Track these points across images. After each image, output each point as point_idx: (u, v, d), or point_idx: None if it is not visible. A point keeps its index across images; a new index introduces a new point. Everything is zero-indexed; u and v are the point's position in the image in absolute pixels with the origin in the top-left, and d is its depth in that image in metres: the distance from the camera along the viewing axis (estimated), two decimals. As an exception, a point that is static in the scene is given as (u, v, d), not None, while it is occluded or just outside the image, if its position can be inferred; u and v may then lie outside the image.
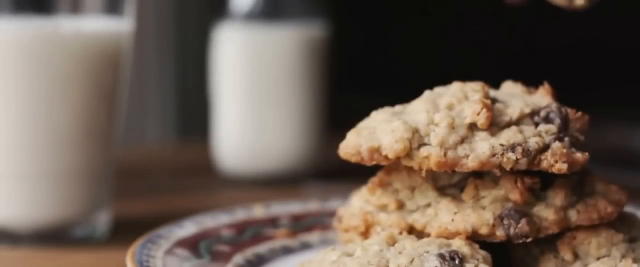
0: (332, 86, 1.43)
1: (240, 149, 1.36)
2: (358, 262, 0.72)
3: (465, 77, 0.85)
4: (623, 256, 0.77)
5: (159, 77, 2.12)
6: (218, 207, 1.01)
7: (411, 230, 0.79)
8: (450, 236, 0.76)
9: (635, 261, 0.76)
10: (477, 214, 0.77)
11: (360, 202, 0.84)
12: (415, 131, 0.77)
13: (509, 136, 0.77)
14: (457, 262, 0.72)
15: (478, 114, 0.77)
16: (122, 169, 1.15)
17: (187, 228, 0.92)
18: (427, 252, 0.73)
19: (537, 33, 2.41)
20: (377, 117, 0.81)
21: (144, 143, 2.05)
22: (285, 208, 1.01)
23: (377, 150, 0.78)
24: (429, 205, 0.79)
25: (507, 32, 2.38)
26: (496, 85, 0.85)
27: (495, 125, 0.78)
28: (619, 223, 0.80)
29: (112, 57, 1.02)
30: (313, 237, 0.96)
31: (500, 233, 0.77)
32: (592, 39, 2.38)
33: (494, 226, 0.77)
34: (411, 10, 2.44)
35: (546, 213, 0.77)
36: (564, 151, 0.76)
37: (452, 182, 0.81)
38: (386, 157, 0.77)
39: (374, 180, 0.83)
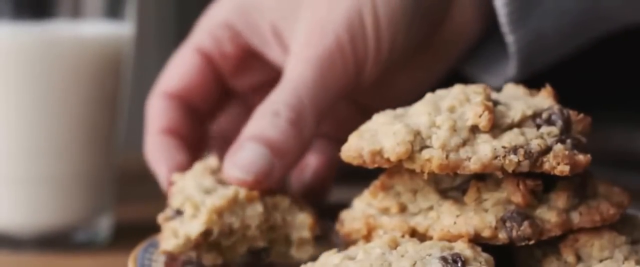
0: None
1: (242, 153, 1.35)
2: (360, 266, 0.72)
3: (467, 80, 0.85)
4: (625, 258, 0.77)
5: (161, 82, 2.12)
6: (220, 211, 1.01)
7: (413, 233, 0.79)
8: (452, 238, 0.76)
9: (637, 262, 0.76)
10: (480, 216, 0.77)
11: (362, 205, 0.83)
12: (417, 134, 0.77)
13: (510, 138, 0.77)
14: (459, 265, 0.72)
15: (480, 116, 0.77)
16: (124, 174, 1.15)
17: (189, 232, 0.92)
18: (430, 255, 0.73)
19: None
20: (378, 120, 0.81)
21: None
22: (287, 212, 1.00)
23: (379, 153, 0.77)
24: (431, 208, 0.79)
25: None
26: (498, 87, 0.85)
27: (497, 127, 0.78)
28: (621, 225, 0.80)
29: (112, 61, 1.02)
30: (315, 240, 0.96)
31: (502, 236, 0.76)
32: (594, 40, 2.38)
33: (496, 228, 0.76)
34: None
35: (548, 215, 0.77)
36: (566, 153, 0.76)
37: (454, 185, 0.80)
38: (388, 160, 0.77)
39: (376, 183, 0.82)
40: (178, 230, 0.84)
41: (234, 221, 0.84)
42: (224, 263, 0.86)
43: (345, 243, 0.83)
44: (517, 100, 0.81)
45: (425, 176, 0.77)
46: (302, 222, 0.86)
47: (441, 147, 0.76)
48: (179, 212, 0.85)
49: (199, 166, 0.88)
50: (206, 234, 0.82)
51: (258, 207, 0.85)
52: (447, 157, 0.76)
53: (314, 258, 0.84)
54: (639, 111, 1.83)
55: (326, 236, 0.88)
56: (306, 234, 0.86)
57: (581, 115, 0.80)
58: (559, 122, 0.79)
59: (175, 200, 0.85)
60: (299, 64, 0.88)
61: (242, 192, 0.85)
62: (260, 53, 0.97)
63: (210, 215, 0.83)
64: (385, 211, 0.81)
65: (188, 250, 0.83)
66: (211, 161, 0.89)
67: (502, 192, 0.78)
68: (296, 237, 0.86)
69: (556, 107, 0.80)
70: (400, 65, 0.97)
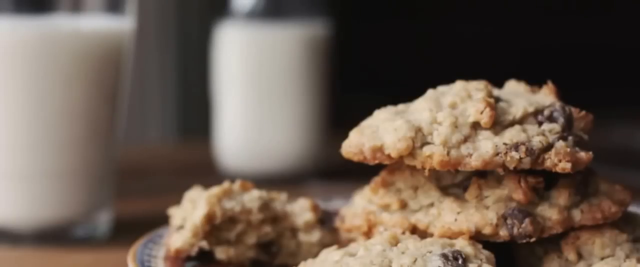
0: (335, 85, 1.43)
1: (242, 148, 1.36)
2: (361, 262, 0.72)
3: (468, 76, 0.85)
4: (627, 256, 0.77)
5: (160, 76, 2.12)
6: (220, 207, 1.01)
7: (414, 230, 0.79)
8: (453, 235, 0.76)
9: (639, 261, 0.76)
10: (481, 213, 0.77)
11: (362, 201, 0.83)
12: (418, 130, 0.77)
13: (512, 134, 0.76)
14: (460, 262, 0.72)
15: (481, 112, 0.77)
16: (123, 169, 1.15)
17: (189, 228, 0.92)
18: (430, 252, 0.73)
19: (541, 32, 2.40)
20: (379, 116, 0.80)
21: (145, 142, 2.05)
22: (287, 208, 1.00)
23: (380, 149, 0.77)
24: (432, 205, 0.79)
25: (510, 31, 2.38)
26: (499, 84, 0.85)
27: (498, 124, 0.77)
28: (623, 223, 0.79)
29: (113, 55, 1.01)
30: (315, 236, 0.96)
31: (503, 233, 0.76)
32: (596, 38, 2.38)
33: (497, 225, 0.76)
34: (414, 9, 2.44)
35: (550, 213, 0.77)
36: (568, 150, 0.76)
37: (455, 181, 0.80)
38: (389, 156, 0.77)
39: (377, 179, 0.82)
40: (184, 224, 0.85)
41: (234, 205, 0.85)
42: (235, 257, 0.86)
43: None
44: (519, 97, 0.81)
45: (426, 173, 0.77)
46: (303, 207, 0.88)
47: (442, 144, 0.76)
48: (180, 228, 0.86)
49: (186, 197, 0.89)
50: (210, 218, 0.83)
51: (255, 193, 0.87)
52: (448, 153, 0.76)
53: (322, 241, 0.87)
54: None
55: (329, 220, 0.89)
56: (309, 216, 0.87)
57: (583, 112, 0.80)
58: (561, 119, 0.78)
59: (175, 221, 0.87)
60: None
61: (236, 184, 0.87)
62: None
63: (210, 199, 0.84)
64: (385, 208, 0.81)
65: (197, 242, 0.84)
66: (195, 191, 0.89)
67: (504, 189, 0.77)
68: (301, 223, 0.87)
69: (558, 104, 0.80)
70: None
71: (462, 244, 0.74)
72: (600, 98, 1.56)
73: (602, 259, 0.77)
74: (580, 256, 0.77)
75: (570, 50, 2.36)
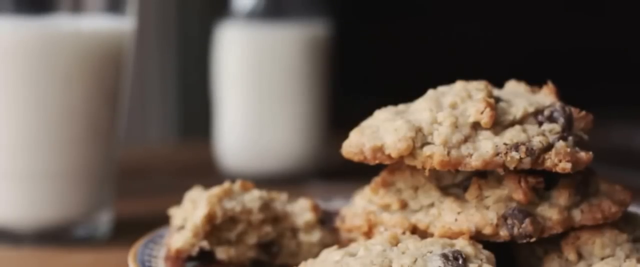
0: (335, 85, 1.43)
1: (243, 149, 1.36)
2: (361, 262, 0.72)
3: (468, 76, 0.85)
4: (627, 256, 0.77)
5: (161, 76, 2.12)
6: (220, 207, 1.01)
7: (414, 230, 0.79)
8: (453, 235, 0.76)
9: (639, 261, 0.76)
10: (481, 213, 0.77)
11: (363, 202, 0.83)
12: (419, 130, 0.77)
13: (512, 135, 0.76)
14: (460, 262, 0.72)
15: (481, 113, 0.77)
16: (124, 169, 1.15)
17: (189, 228, 0.92)
18: (431, 252, 0.73)
19: (541, 32, 2.40)
20: (380, 116, 0.80)
21: (146, 142, 2.05)
22: (288, 208, 1.00)
23: (380, 149, 0.77)
24: (432, 205, 0.79)
25: (511, 31, 2.38)
26: (500, 84, 0.85)
27: (498, 124, 0.77)
28: (623, 223, 0.79)
29: (113, 56, 1.01)
30: (315, 236, 0.96)
31: (503, 233, 0.76)
32: (595, 38, 2.38)
33: (497, 225, 0.76)
34: (415, 9, 2.44)
35: (550, 213, 0.77)
36: (568, 150, 0.76)
37: (455, 181, 0.80)
38: (389, 156, 0.77)
39: (377, 179, 0.82)
40: (185, 225, 0.85)
41: (234, 205, 0.85)
42: (235, 257, 0.86)
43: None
44: (519, 97, 0.81)
45: (427, 173, 0.77)
46: (303, 207, 0.88)
47: (442, 144, 0.76)
48: (181, 228, 0.86)
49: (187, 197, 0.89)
50: (210, 218, 0.83)
51: (255, 193, 0.87)
52: (448, 153, 0.76)
53: (322, 241, 0.87)
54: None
55: (329, 220, 0.89)
56: (310, 216, 0.88)
57: (583, 112, 0.80)
58: (561, 120, 0.78)
59: (176, 221, 0.87)
60: None
61: (237, 184, 0.87)
62: None
63: (211, 199, 0.84)
64: (386, 208, 0.81)
65: (198, 242, 0.84)
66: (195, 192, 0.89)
67: (504, 190, 0.77)
68: (302, 223, 0.87)
69: (558, 104, 0.80)
70: None
71: (462, 244, 0.74)
72: (600, 98, 1.57)
73: (602, 259, 0.77)
74: (580, 256, 0.77)
75: (570, 50, 2.36)
